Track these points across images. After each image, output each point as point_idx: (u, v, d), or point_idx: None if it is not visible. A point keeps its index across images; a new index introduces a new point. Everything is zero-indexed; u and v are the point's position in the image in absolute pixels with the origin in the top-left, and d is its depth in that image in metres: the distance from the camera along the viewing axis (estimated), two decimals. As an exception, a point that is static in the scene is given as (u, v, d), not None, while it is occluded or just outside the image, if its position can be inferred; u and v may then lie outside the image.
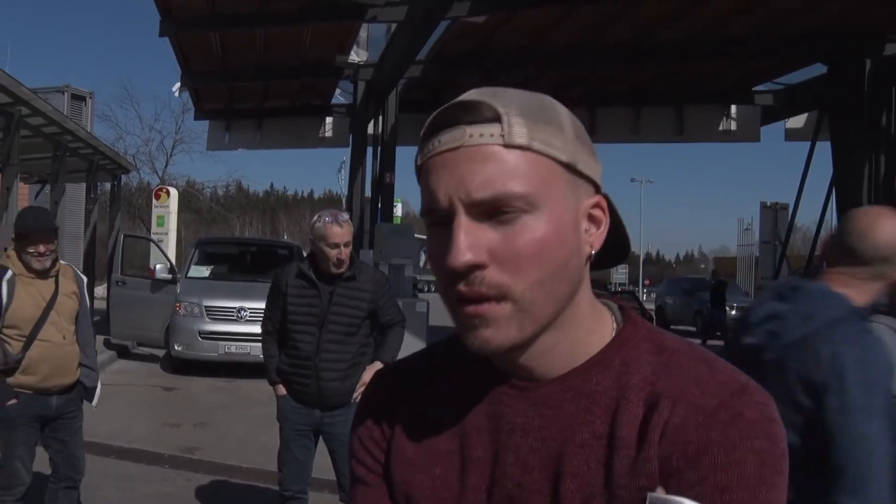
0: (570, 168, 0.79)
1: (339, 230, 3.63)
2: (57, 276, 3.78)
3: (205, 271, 11.94)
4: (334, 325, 3.72)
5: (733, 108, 15.96)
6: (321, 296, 3.72)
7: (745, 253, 33.07)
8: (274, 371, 3.87)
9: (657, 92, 15.36)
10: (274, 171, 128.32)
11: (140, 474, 5.89)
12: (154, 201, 18.49)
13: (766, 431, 0.76)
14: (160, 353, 11.43)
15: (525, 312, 0.77)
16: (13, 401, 3.61)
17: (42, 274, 3.70)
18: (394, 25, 11.87)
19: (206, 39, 12.44)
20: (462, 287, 0.77)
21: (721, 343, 15.65)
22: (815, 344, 1.62)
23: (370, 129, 14.83)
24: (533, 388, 0.82)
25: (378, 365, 3.80)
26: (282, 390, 3.85)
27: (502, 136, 0.76)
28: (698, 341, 10.16)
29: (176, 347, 10.46)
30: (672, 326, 20.11)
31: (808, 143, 13.41)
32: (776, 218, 16.83)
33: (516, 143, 0.76)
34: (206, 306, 10.50)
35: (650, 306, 24.82)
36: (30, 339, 3.65)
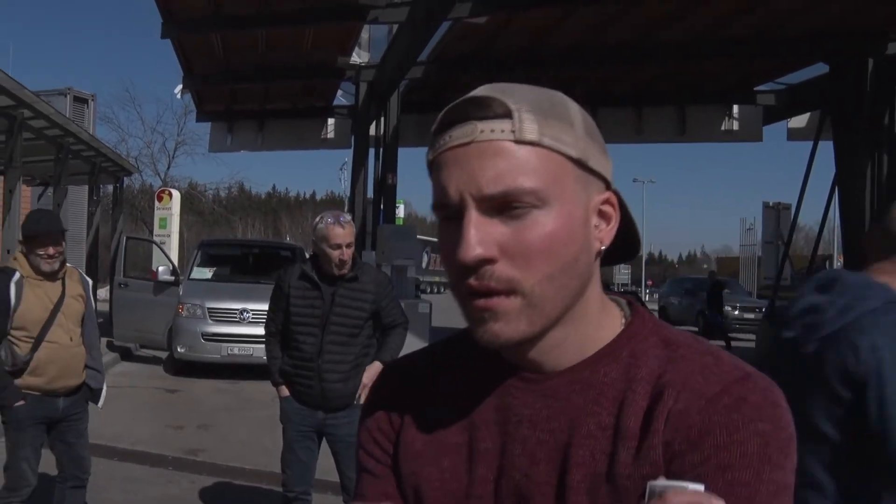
0: (581, 164, 0.79)
1: (341, 231, 3.63)
2: (63, 279, 3.81)
3: (207, 273, 11.96)
4: (337, 326, 3.72)
5: (735, 108, 15.94)
6: (323, 297, 3.73)
7: (747, 253, 33.08)
8: (277, 372, 3.88)
9: (659, 92, 15.36)
10: (276, 173, 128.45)
11: (144, 476, 5.89)
12: (156, 203, 18.55)
13: (770, 415, 0.76)
14: (163, 355, 11.43)
15: (534, 307, 0.78)
16: (21, 402, 3.64)
17: (50, 276, 3.73)
18: (395, 27, 11.87)
19: (208, 41, 12.46)
20: (472, 281, 0.77)
21: (722, 343, 15.62)
22: (853, 335, 1.57)
23: (372, 131, 14.83)
24: (541, 381, 0.83)
25: (378, 365, 3.80)
26: (285, 391, 3.85)
27: (513, 131, 0.76)
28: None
29: (179, 349, 10.47)
30: (675, 327, 20.08)
31: (811, 143, 13.38)
32: (779, 218, 16.79)
33: (527, 139, 0.76)
34: (208, 308, 10.50)
35: (653, 307, 24.84)
36: (37, 341, 3.67)
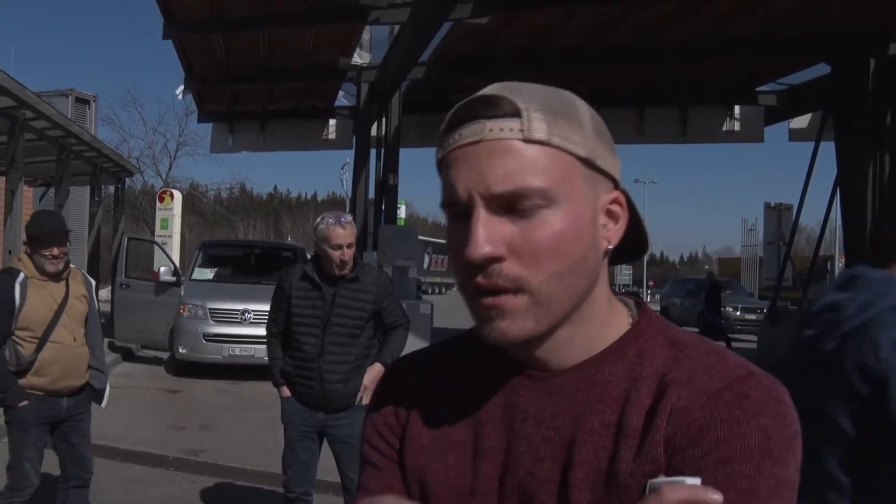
0: (589, 163, 0.80)
1: (342, 232, 3.64)
2: (67, 279, 3.83)
3: (209, 274, 11.96)
4: (337, 326, 3.73)
5: (737, 109, 15.93)
6: (324, 297, 3.73)
7: (749, 254, 33.08)
8: (278, 373, 3.88)
9: (660, 93, 15.35)
10: (277, 174, 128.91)
11: (146, 477, 5.90)
12: (158, 204, 18.55)
13: (773, 411, 0.75)
14: (164, 355, 11.44)
15: (541, 305, 0.78)
16: (25, 402, 3.65)
17: (55, 277, 3.75)
18: (396, 27, 11.87)
19: (210, 42, 12.46)
20: (480, 279, 0.78)
21: (721, 344, 15.58)
22: (874, 331, 1.56)
23: (373, 131, 14.83)
24: (547, 378, 0.83)
25: (379, 367, 3.80)
26: (286, 392, 3.85)
27: (522, 130, 0.77)
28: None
29: (180, 350, 10.48)
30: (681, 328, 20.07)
31: (813, 144, 13.37)
32: (780, 218, 16.78)
33: (535, 138, 0.77)
34: (210, 309, 10.51)
35: (655, 307, 24.78)
36: (42, 341, 3.69)
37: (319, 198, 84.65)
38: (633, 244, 0.87)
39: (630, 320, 0.86)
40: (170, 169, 34.48)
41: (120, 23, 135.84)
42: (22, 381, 3.67)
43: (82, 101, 19.59)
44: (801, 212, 14.11)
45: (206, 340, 10.38)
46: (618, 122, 15.77)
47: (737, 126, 16.08)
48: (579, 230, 0.78)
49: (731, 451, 0.73)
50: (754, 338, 15.63)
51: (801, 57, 12.79)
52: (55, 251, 3.69)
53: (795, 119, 15.77)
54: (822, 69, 12.85)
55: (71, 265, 3.91)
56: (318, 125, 17.03)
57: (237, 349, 10.35)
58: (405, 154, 13.87)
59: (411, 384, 0.92)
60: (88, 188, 16.63)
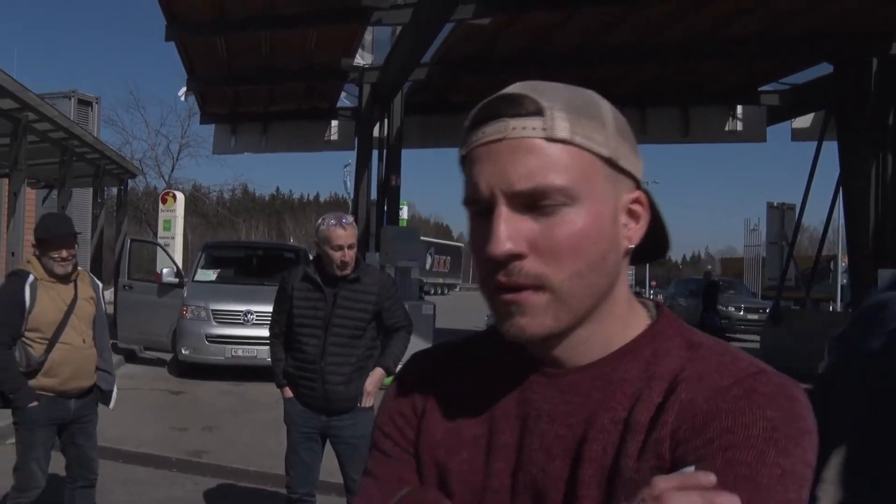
0: (611, 163, 0.80)
1: (343, 232, 3.64)
2: (76, 281, 3.86)
3: (211, 275, 11.97)
4: (339, 327, 3.72)
5: (739, 109, 15.92)
6: (326, 298, 3.73)
7: (751, 253, 33.01)
8: (281, 374, 3.88)
9: (662, 93, 15.34)
10: (280, 175, 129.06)
11: (148, 478, 5.91)
12: (160, 205, 18.54)
13: (782, 405, 0.74)
14: (167, 356, 11.44)
15: (561, 303, 0.78)
16: (35, 403, 3.68)
17: (63, 279, 3.79)
18: (398, 28, 11.87)
19: (212, 43, 12.48)
20: (501, 276, 0.78)
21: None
22: None
23: (375, 132, 14.84)
24: (562, 375, 0.84)
25: (380, 372, 3.80)
26: (289, 393, 3.86)
27: (545, 129, 0.77)
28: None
29: (183, 351, 10.48)
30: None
31: (815, 143, 13.36)
32: (783, 218, 16.77)
33: (558, 137, 0.77)
34: (212, 310, 10.51)
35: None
36: (51, 343, 3.73)
37: (322, 199, 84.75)
38: (654, 244, 0.87)
39: (648, 321, 0.86)
40: (172, 170, 34.46)
41: (122, 25, 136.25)
42: (32, 382, 3.70)
43: (85, 103, 19.62)
44: (804, 211, 14.12)
45: (208, 342, 10.38)
46: (620, 123, 15.74)
47: (739, 126, 16.07)
48: (600, 229, 0.79)
49: (733, 439, 0.72)
50: (757, 338, 15.59)
51: (802, 57, 12.79)
52: (64, 253, 3.73)
53: (798, 119, 15.76)
54: (824, 68, 12.84)
55: (79, 268, 3.94)
56: (321, 126, 17.04)
57: (240, 350, 10.35)
58: (407, 155, 13.90)
59: (430, 377, 0.93)
60: (91, 190, 16.66)
